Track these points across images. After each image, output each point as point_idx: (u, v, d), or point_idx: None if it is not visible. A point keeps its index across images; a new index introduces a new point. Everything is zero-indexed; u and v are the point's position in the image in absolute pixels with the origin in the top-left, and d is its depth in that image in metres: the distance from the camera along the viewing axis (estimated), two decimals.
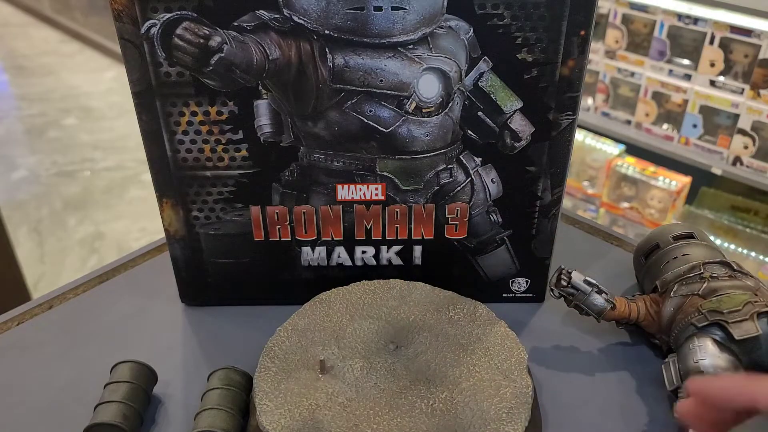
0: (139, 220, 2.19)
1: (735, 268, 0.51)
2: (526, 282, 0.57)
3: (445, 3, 0.45)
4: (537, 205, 0.53)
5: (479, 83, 0.48)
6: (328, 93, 0.48)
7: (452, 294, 0.53)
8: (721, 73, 1.45)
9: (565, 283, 0.51)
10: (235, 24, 0.45)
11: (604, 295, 0.51)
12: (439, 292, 0.53)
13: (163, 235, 0.56)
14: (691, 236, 0.56)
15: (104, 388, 0.47)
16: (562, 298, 0.52)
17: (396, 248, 0.55)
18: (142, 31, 0.45)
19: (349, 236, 0.54)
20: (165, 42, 0.45)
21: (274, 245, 0.55)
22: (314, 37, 0.45)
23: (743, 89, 1.42)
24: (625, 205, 1.67)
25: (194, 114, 0.48)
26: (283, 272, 0.56)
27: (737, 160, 1.47)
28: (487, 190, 0.52)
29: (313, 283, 0.56)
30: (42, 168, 2.51)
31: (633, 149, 1.65)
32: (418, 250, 0.55)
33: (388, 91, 0.48)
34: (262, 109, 0.48)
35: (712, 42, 1.43)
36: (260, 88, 0.47)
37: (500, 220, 0.54)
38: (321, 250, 0.55)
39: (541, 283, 0.58)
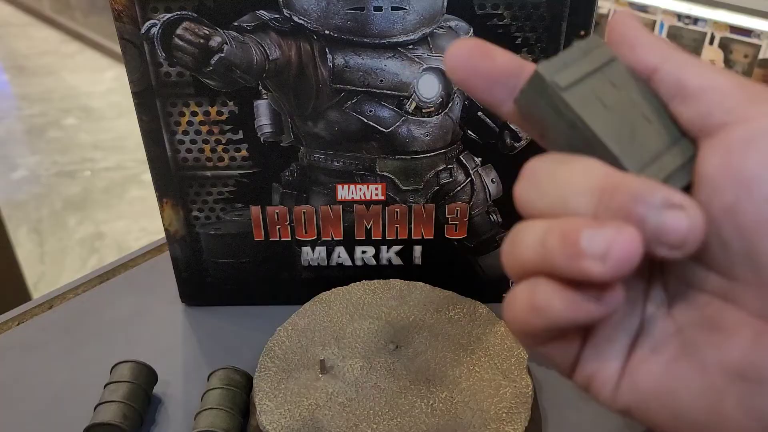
0: (139, 220, 2.20)
1: None
2: None
3: (445, 3, 0.45)
4: None
5: None
6: (328, 93, 0.48)
7: (452, 294, 0.53)
8: None
9: None
10: (235, 24, 0.45)
11: None
12: (439, 292, 0.53)
13: (163, 235, 0.56)
14: None
15: (104, 388, 0.47)
16: None
17: (396, 248, 0.55)
18: (142, 31, 0.45)
19: (349, 236, 0.54)
20: (165, 42, 0.45)
21: (274, 245, 0.55)
22: (314, 37, 0.46)
23: None
24: None
25: (194, 114, 0.49)
26: (283, 272, 0.56)
27: None
28: (487, 190, 0.52)
29: (313, 283, 0.56)
30: (42, 168, 2.51)
31: None
32: (418, 250, 0.55)
33: (388, 91, 0.48)
34: (262, 109, 0.48)
35: (711, 42, 1.43)
36: (260, 88, 0.48)
37: (500, 220, 0.54)
38: (321, 250, 0.55)
39: None
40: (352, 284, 0.53)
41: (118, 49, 0.47)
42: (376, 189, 0.52)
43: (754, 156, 0.20)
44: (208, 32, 0.45)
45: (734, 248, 0.21)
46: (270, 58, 0.46)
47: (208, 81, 0.47)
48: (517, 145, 0.50)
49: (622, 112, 0.24)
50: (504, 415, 0.43)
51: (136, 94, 0.48)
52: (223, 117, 0.49)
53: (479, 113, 0.49)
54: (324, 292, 0.53)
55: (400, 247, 0.55)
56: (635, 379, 0.23)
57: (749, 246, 0.21)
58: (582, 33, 0.46)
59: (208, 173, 0.51)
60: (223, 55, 0.46)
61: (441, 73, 0.47)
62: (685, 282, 0.24)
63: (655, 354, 0.23)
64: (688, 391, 0.22)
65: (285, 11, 0.45)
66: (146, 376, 0.48)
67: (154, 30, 0.45)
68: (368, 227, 0.54)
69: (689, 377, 0.22)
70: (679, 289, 0.24)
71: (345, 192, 0.52)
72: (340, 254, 0.55)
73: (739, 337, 0.21)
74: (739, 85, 0.22)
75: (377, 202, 0.53)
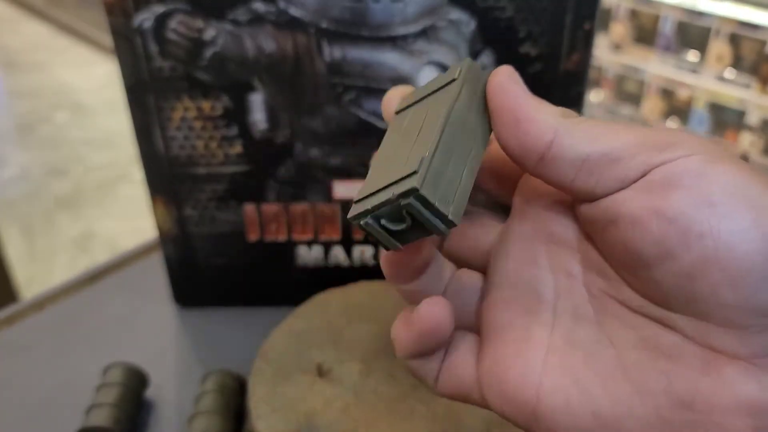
0: (132, 218, 2.18)
1: None
2: None
3: None
4: None
5: None
6: (325, 87, 0.46)
7: None
8: (729, 68, 1.44)
9: None
10: (230, 17, 0.44)
11: None
12: None
13: (155, 234, 0.55)
14: None
15: (95, 390, 0.46)
16: None
17: None
18: (135, 24, 0.44)
19: (346, 235, 0.53)
20: (158, 36, 0.44)
21: (270, 245, 0.53)
22: (311, 30, 0.44)
23: (751, 85, 1.41)
24: None
25: (187, 109, 0.47)
26: (278, 272, 0.55)
27: (744, 157, 1.47)
28: None
29: (310, 283, 0.55)
30: (33, 165, 2.49)
31: None
32: None
33: (387, 86, 0.46)
34: (257, 104, 0.47)
35: (719, 36, 1.42)
36: (255, 82, 0.46)
37: None
38: (318, 250, 0.54)
39: None
40: (350, 285, 0.52)
41: (110, 43, 0.46)
42: None
43: (676, 195, 0.20)
44: (201, 25, 0.44)
45: (669, 287, 0.20)
46: (265, 51, 0.45)
47: (201, 75, 0.46)
48: None
49: (405, 137, 0.24)
50: None
51: (127, 89, 0.47)
52: (217, 112, 0.47)
53: None
54: (321, 293, 0.52)
55: None
56: (571, 400, 0.22)
57: (685, 288, 0.20)
58: (586, 26, 0.45)
59: (202, 170, 0.50)
60: (217, 49, 0.45)
61: (441, 68, 0.46)
62: (615, 299, 0.22)
63: (592, 371, 0.22)
64: (633, 420, 0.21)
65: (281, 3, 0.43)
66: (138, 379, 0.47)
67: (146, 23, 0.44)
68: None
69: (634, 404, 0.21)
70: (608, 305, 0.22)
71: (343, 189, 0.51)
72: (338, 254, 0.54)
73: (685, 365, 0.20)
74: (644, 138, 0.21)
75: None
